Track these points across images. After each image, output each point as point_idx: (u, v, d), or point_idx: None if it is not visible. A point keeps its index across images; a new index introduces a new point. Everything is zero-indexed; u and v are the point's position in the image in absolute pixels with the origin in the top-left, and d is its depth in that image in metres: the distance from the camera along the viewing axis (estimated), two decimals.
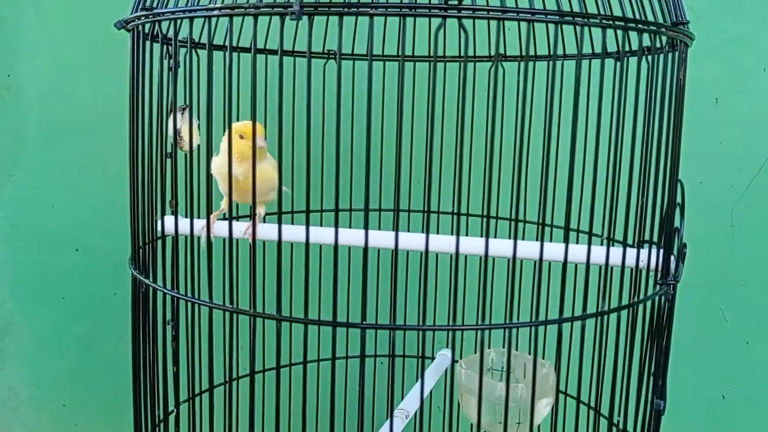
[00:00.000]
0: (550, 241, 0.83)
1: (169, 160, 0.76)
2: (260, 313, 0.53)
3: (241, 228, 0.72)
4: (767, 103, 1.06)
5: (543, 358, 0.89)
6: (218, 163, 0.71)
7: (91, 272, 1.25)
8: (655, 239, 0.65)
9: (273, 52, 0.90)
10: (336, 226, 0.51)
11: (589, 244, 0.55)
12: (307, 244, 0.52)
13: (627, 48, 0.53)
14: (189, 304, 0.62)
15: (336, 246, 0.51)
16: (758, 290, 1.09)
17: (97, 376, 1.29)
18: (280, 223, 0.53)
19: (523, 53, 0.87)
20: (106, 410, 1.28)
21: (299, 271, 0.57)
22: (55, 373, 1.29)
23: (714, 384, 1.13)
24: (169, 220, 0.70)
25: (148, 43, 0.63)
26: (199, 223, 0.73)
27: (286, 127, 0.52)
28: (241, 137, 0.67)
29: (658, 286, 0.62)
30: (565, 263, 0.53)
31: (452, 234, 0.69)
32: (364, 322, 0.49)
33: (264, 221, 0.77)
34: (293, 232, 0.67)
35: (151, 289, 0.64)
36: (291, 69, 0.91)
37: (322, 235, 0.67)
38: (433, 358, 0.97)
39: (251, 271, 0.55)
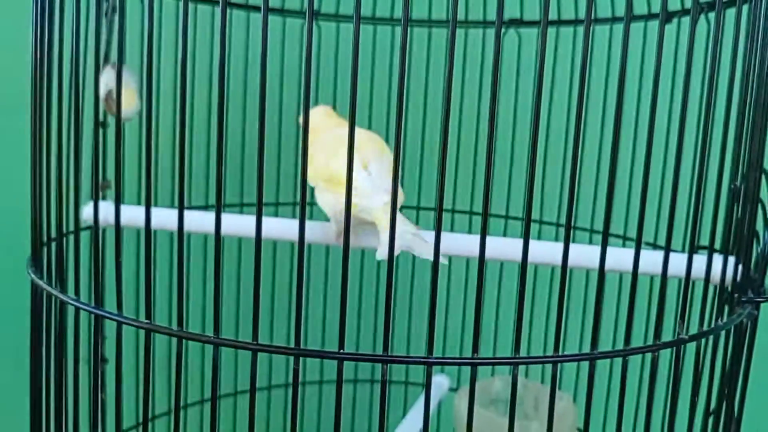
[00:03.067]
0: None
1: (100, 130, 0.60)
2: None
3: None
4: None
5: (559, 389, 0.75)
6: None
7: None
8: (719, 245, 0.50)
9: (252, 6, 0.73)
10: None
11: (667, 251, 0.39)
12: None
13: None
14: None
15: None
16: None
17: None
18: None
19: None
20: None
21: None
22: None
23: (757, 421, 0.98)
24: (105, 207, 0.53)
25: None
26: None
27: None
28: None
29: (742, 306, 0.46)
30: (635, 276, 0.38)
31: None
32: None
33: None
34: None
35: (58, 301, 0.47)
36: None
37: None
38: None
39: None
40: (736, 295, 0.47)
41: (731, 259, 0.46)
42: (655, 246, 0.69)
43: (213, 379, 0.37)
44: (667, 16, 0.63)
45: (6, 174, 1.00)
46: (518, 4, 0.74)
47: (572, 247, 0.48)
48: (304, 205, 0.36)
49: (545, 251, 0.51)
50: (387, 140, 0.59)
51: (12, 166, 0.95)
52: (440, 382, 0.82)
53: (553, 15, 0.72)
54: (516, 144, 0.79)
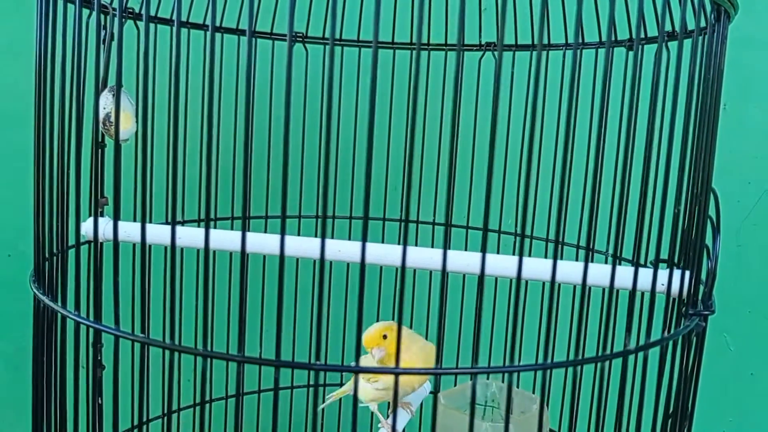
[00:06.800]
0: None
1: (98, 150, 0.64)
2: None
3: None
4: None
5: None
6: None
7: (25, 281, 1.10)
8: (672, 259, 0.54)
9: (232, 30, 0.78)
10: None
11: (614, 264, 0.43)
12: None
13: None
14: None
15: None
16: (766, 317, 0.99)
17: (29, 399, 1.14)
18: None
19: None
20: None
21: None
22: None
23: (714, 419, 1.03)
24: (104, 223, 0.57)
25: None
26: None
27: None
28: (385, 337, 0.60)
29: (689, 318, 0.50)
30: (584, 288, 0.42)
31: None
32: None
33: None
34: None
35: (60, 316, 0.50)
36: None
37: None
38: None
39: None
40: (683, 307, 0.51)
41: (677, 272, 0.49)
42: (633, 262, 0.71)
43: (202, 388, 0.40)
44: (631, 44, 0.68)
45: (13, 189, 1.04)
46: (494, 28, 0.78)
47: (532, 261, 0.52)
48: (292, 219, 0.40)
49: (505, 265, 0.54)
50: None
51: (18, 181, 0.99)
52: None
53: (527, 40, 0.76)
54: (479, 156, 0.83)
